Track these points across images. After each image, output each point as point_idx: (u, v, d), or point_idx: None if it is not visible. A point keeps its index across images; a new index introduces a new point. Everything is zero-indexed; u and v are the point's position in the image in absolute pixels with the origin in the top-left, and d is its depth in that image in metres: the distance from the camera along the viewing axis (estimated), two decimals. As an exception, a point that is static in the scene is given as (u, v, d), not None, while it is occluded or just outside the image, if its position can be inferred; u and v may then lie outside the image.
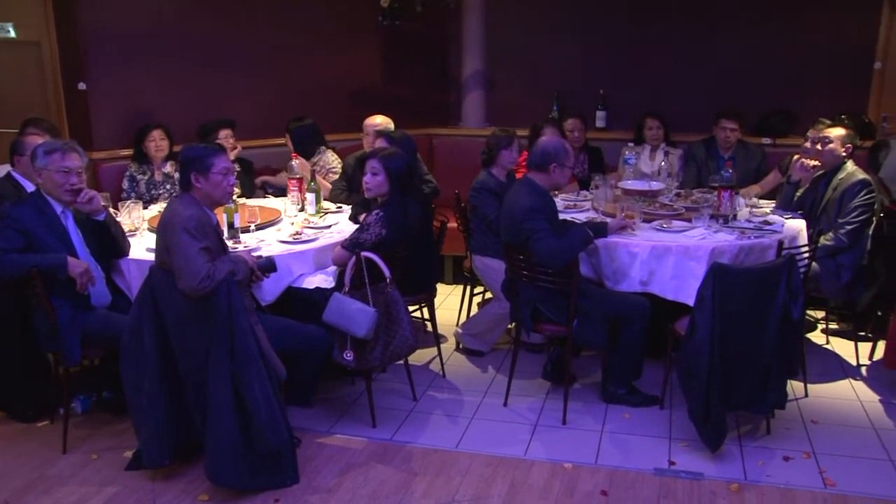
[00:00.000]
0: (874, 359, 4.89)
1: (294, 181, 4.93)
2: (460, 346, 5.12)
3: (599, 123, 6.93)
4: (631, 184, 5.08)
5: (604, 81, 6.97)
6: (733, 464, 3.74)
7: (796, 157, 5.10)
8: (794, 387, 4.42)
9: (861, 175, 4.76)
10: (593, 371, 4.61)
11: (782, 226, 4.54)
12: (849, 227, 4.64)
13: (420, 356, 4.88)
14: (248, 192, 5.54)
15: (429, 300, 4.72)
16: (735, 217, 4.60)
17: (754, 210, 4.81)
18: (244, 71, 6.41)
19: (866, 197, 4.66)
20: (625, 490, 3.54)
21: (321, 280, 4.15)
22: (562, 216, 4.51)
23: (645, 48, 6.90)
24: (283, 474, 3.55)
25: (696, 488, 3.55)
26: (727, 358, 3.65)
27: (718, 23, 6.76)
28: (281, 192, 5.57)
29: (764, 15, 6.68)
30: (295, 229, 4.41)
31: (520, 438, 4.00)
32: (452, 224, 5.24)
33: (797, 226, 4.64)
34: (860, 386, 4.59)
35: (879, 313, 4.82)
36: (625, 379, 4.27)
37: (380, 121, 5.49)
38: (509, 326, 4.90)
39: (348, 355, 3.85)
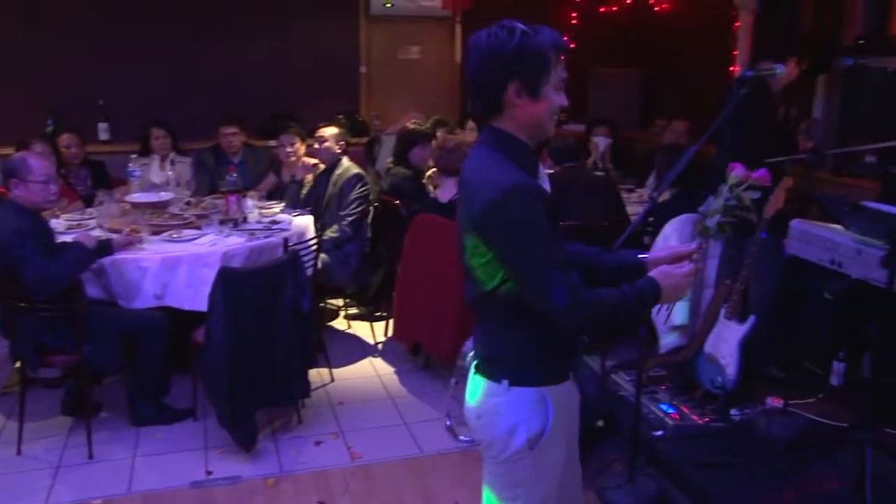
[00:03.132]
0: (388, 335, 5.35)
1: None
2: (-41, 398, 4.48)
3: (103, 136, 6.57)
4: (138, 196, 4.89)
5: (104, 92, 6.62)
6: (269, 459, 3.83)
7: (293, 159, 5.40)
8: (322, 373, 4.68)
9: (356, 170, 5.18)
10: (121, 396, 4.36)
11: (290, 223, 4.74)
12: (350, 219, 5.03)
13: None
14: None
15: None
16: (245, 220, 4.68)
17: (264, 211, 4.95)
18: None
19: (362, 189, 5.09)
20: (160, 512, 3.42)
21: None
22: (65, 237, 4.17)
23: (147, 56, 6.70)
24: None
25: (235, 491, 3.56)
26: (246, 357, 3.71)
27: (223, 31, 6.86)
28: None
29: (265, 23, 6.93)
30: None
31: (40, 486, 3.62)
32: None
33: (305, 222, 4.88)
34: (378, 362, 5.01)
35: (389, 293, 5.29)
36: (151, 397, 4.12)
37: None
38: (17, 366, 4.41)
39: None
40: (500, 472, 2.12)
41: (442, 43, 7.61)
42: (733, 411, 3.91)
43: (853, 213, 3.42)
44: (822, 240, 3.64)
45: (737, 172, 2.18)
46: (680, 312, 4.16)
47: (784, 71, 4.05)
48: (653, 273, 2.03)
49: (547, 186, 2.02)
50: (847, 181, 4.74)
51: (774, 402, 4.00)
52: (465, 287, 2.08)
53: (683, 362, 3.99)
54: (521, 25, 1.90)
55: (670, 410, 3.81)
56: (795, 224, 3.85)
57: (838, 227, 3.66)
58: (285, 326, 3.83)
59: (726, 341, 3.92)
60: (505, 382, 2.02)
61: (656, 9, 7.49)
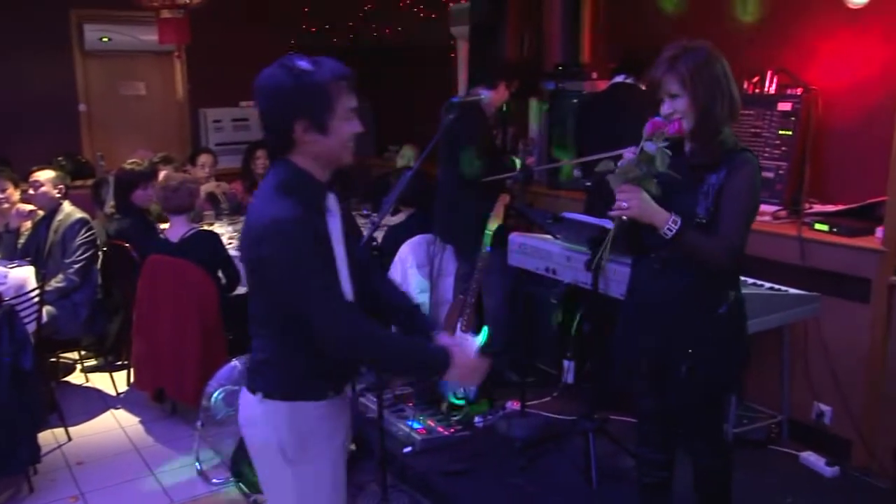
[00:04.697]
0: (132, 384, 5.08)
1: None
2: None
3: None
4: None
5: None
6: (-1, 538, 3.52)
7: (6, 206, 5.00)
8: (56, 434, 4.34)
9: (79, 214, 4.90)
10: None
11: (6, 276, 4.38)
12: (76, 266, 4.74)
13: None
14: None
15: None
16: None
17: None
18: None
19: (87, 235, 4.82)
20: None
21: None
22: None
23: None
24: None
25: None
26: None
27: None
28: None
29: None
30: None
31: None
32: None
33: (24, 274, 4.53)
34: (121, 414, 4.73)
35: (128, 340, 5.02)
36: None
37: None
38: None
39: None
40: (267, 482, 2.18)
41: (166, 78, 7.39)
42: (477, 419, 4.13)
43: (557, 224, 3.75)
44: (537, 250, 3.94)
45: (650, 126, 2.26)
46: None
47: (489, 96, 4.36)
48: (453, 351, 2.04)
49: (336, 216, 2.07)
50: (563, 194, 5.16)
51: (514, 405, 4.27)
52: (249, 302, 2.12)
53: (427, 377, 4.15)
54: (301, 63, 1.93)
55: (417, 426, 3.94)
56: (513, 237, 4.13)
57: (550, 237, 3.98)
58: (3, 389, 3.53)
59: (464, 353, 4.13)
60: (259, 395, 2.07)
61: (375, 34, 7.73)
